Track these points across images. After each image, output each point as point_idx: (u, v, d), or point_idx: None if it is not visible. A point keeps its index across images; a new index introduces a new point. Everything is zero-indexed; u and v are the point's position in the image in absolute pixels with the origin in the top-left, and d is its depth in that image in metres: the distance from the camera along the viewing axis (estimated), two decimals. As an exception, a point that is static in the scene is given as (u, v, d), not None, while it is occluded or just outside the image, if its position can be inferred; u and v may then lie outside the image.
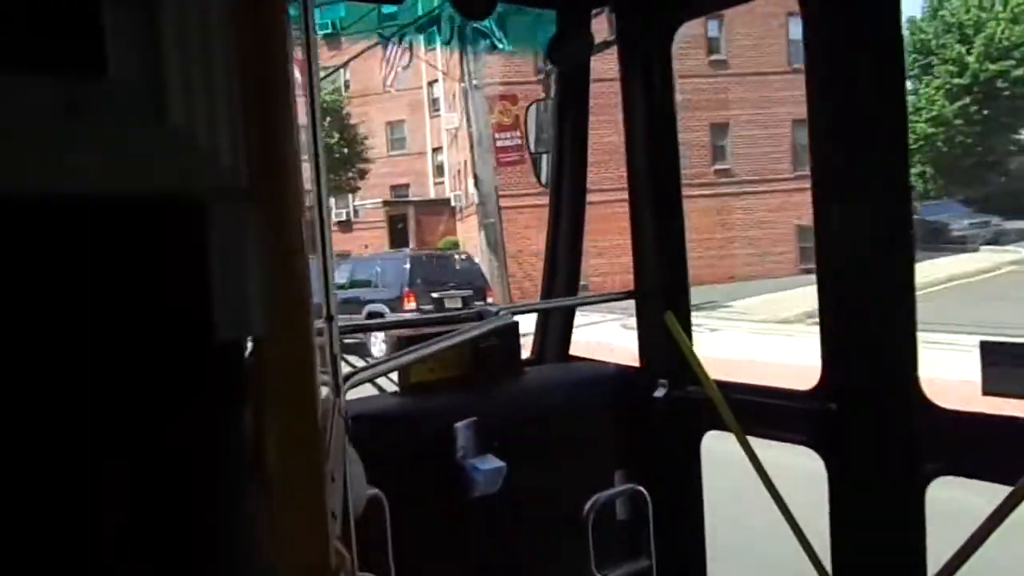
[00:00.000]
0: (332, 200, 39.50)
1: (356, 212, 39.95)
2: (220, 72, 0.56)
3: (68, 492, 0.53)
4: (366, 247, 34.41)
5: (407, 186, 42.54)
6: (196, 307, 0.58)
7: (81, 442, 0.54)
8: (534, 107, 3.05)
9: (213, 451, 0.60)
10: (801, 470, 2.51)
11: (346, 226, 39.72)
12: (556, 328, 3.06)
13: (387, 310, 17.52)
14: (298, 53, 1.27)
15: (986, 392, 2.10)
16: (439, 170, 42.30)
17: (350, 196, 39.08)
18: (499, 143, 22.82)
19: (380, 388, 2.61)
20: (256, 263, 0.59)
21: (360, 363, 2.17)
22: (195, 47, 0.55)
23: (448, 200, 37.83)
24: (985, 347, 2.14)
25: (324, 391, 1.36)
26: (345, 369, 2.04)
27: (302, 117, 1.29)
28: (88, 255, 0.54)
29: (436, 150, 42.50)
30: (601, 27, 2.86)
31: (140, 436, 0.57)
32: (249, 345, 0.61)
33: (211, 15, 0.56)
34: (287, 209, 0.61)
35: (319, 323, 1.32)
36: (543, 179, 3.05)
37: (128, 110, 0.53)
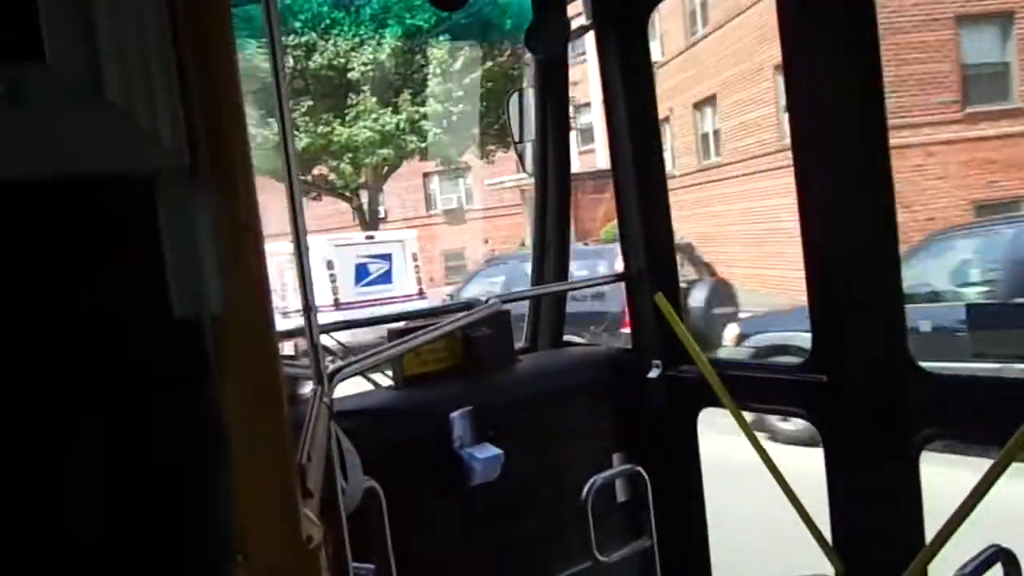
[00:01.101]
0: (436, 182, 30.44)
1: (469, 196, 30.00)
2: (158, 55, 0.57)
3: (27, 466, 0.54)
4: (487, 243, 26.86)
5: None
6: (147, 287, 0.59)
7: (39, 420, 0.55)
8: (515, 96, 3.06)
9: (173, 428, 0.61)
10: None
11: (455, 216, 29.93)
12: (548, 314, 3.07)
13: None
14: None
15: (976, 354, 2.12)
16: (584, 135, 28.48)
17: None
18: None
19: (376, 384, 2.62)
20: (206, 239, 0.60)
21: (350, 356, 2.19)
22: (132, 31, 0.56)
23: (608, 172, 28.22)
24: (972, 310, 2.15)
25: (307, 381, 1.37)
26: (337, 363, 2.05)
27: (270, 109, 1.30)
28: (32, 236, 0.55)
29: (582, 107, 28.03)
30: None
31: (101, 413, 0.58)
32: (207, 320, 0.62)
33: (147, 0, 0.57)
34: (235, 186, 0.62)
35: (298, 314, 1.33)
36: (527, 168, 3.06)
37: (67, 95, 0.54)
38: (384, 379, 2.62)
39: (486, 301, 2.63)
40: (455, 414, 2.41)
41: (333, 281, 15.16)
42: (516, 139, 3.09)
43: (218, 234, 0.60)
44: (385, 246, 16.52)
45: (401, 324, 2.63)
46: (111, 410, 0.59)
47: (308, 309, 1.27)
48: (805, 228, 2.29)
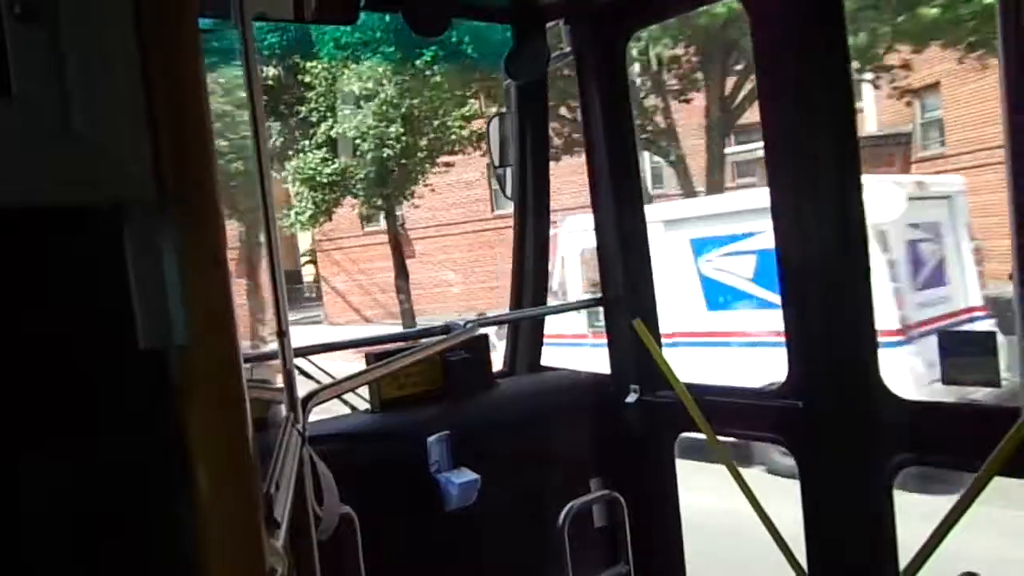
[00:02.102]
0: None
1: (657, 178, 20.61)
2: (126, 87, 0.57)
3: None
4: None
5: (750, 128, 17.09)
6: (113, 318, 0.59)
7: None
8: (496, 120, 3.08)
9: (138, 457, 0.60)
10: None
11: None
12: (527, 338, 3.07)
13: None
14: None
15: (947, 381, 2.14)
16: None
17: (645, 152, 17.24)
18: None
19: (353, 407, 2.61)
20: (173, 271, 0.60)
21: (327, 380, 2.17)
22: (100, 64, 0.56)
23: (901, 136, 17.67)
24: (943, 336, 2.18)
25: (280, 406, 1.37)
26: (311, 386, 2.04)
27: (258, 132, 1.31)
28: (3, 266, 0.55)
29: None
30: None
31: (63, 445, 0.58)
32: (172, 351, 0.62)
33: (115, 32, 0.57)
34: (204, 218, 0.63)
35: (272, 339, 1.32)
36: (508, 192, 3.07)
37: (34, 127, 0.55)
38: (361, 402, 2.60)
39: (464, 325, 2.63)
40: (432, 438, 2.40)
41: (896, 280, 7.06)
42: (496, 163, 3.11)
43: (186, 266, 0.60)
44: (930, 207, 7.80)
45: (378, 347, 2.62)
46: (73, 440, 0.59)
47: (282, 334, 1.27)
48: (780, 256, 2.32)
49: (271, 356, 1.36)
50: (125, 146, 0.57)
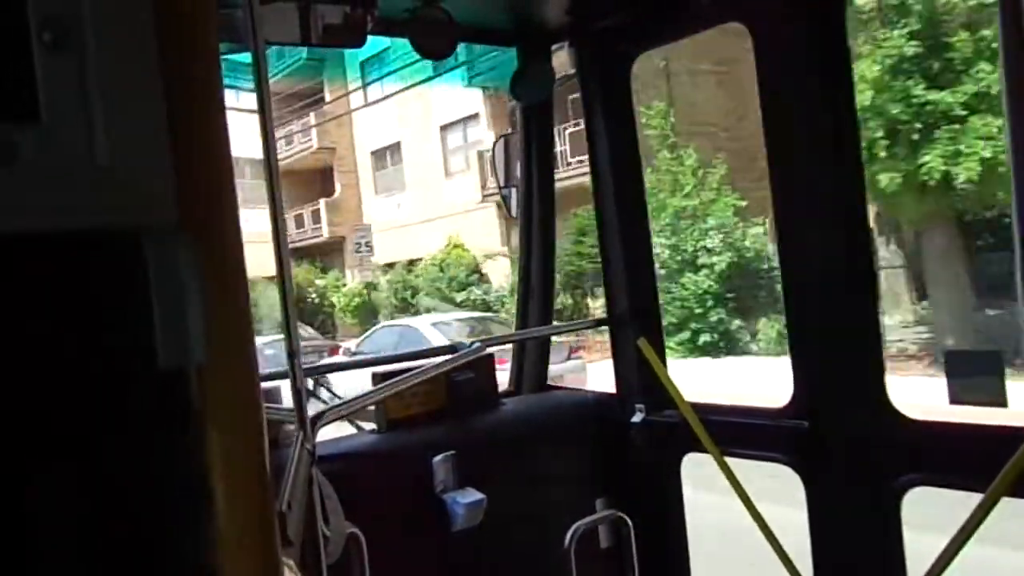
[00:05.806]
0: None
1: None
2: (149, 113, 0.59)
3: (7, 520, 0.54)
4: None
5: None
6: (134, 338, 0.60)
7: (18, 469, 0.55)
8: (501, 141, 3.10)
9: (155, 478, 0.61)
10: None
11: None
12: (533, 358, 3.08)
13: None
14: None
15: (953, 401, 2.14)
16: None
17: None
18: None
19: (359, 427, 2.61)
20: (194, 294, 0.61)
21: (335, 400, 2.18)
22: (123, 91, 0.58)
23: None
24: (950, 356, 2.18)
25: (289, 426, 1.37)
26: (319, 407, 2.05)
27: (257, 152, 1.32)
28: (25, 292, 0.56)
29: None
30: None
31: (79, 467, 0.58)
32: (191, 370, 0.62)
33: (139, 57, 0.58)
34: (224, 241, 0.64)
35: (283, 360, 1.33)
36: (513, 212, 3.09)
37: (59, 152, 0.56)
38: (367, 422, 2.61)
39: (470, 345, 2.64)
40: (437, 458, 2.40)
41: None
42: (501, 184, 3.13)
43: (206, 287, 0.61)
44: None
45: (385, 367, 2.62)
46: (91, 460, 0.60)
47: (292, 354, 1.28)
48: (785, 274, 2.33)
49: (282, 375, 1.37)
50: (148, 171, 0.58)
